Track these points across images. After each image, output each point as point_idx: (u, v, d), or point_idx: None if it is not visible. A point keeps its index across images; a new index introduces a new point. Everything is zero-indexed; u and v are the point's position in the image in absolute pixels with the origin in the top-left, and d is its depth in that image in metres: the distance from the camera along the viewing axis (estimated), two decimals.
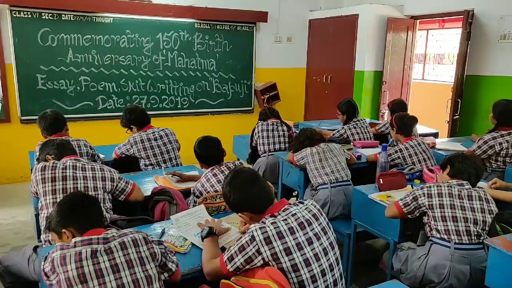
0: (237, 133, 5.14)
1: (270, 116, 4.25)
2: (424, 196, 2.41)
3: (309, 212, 1.75)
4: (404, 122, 3.62)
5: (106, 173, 2.51)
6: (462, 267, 2.24)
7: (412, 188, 2.97)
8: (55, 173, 2.36)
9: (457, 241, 2.28)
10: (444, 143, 4.49)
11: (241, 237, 1.70)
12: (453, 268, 2.25)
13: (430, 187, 2.44)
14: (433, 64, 8.69)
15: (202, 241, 1.98)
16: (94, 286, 1.45)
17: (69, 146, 2.66)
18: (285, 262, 1.61)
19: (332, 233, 1.78)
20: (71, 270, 1.45)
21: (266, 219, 1.69)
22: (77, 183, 2.38)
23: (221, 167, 2.67)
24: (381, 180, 2.88)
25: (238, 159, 4.78)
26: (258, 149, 4.17)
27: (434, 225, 2.36)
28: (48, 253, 1.55)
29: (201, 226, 2.10)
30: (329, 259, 1.71)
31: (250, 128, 6.58)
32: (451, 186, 2.41)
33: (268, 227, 1.64)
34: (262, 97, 6.67)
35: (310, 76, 7.18)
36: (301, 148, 3.41)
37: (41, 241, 2.36)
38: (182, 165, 3.64)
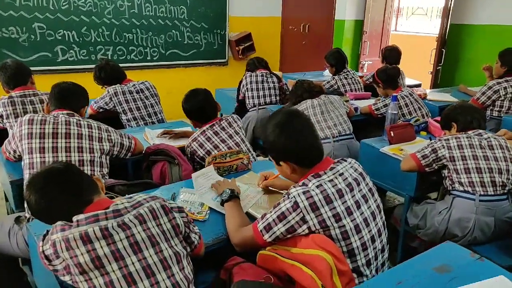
0: (211, 88, 4.77)
1: (258, 66, 3.93)
2: (444, 148, 2.26)
3: (355, 170, 1.52)
4: (387, 75, 3.46)
5: (103, 133, 2.15)
6: (487, 219, 2.15)
7: (422, 140, 2.84)
8: (44, 128, 1.99)
9: (482, 192, 2.16)
10: (433, 94, 4.38)
11: (278, 203, 1.45)
12: (478, 221, 2.15)
13: (448, 139, 2.29)
14: (406, 16, 8.55)
15: (222, 205, 1.72)
16: (114, 271, 1.17)
17: (72, 97, 2.24)
18: (334, 229, 1.39)
19: (377, 194, 1.58)
20: (81, 254, 1.15)
21: (310, 180, 1.44)
22: (70, 142, 2.02)
23: (221, 122, 2.38)
24: (392, 132, 2.70)
25: (222, 115, 4.46)
26: (246, 102, 3.87)
27: (457, 178, 2.23)
28: (47, 232, 1.24)
29: (218, 189, 1.83)
30: (377, 223, 1.52)
31: (224, 82, 6.25)
32: (470, 137, 2.27)
33: (313, 190, 1.40)
34: (236, 48, 6.27)
35: (286, 26, 6.81)
36: (300, 102, 3.15)
37: (23, 211, 2.01)
38: (166, 121, 3.29)
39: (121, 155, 2.27)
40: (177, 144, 2.57)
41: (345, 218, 1.40)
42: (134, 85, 3.12)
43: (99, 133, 2.13)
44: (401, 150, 2.64)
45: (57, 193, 1.26)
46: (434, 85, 5.45)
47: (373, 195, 1.53)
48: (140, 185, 1.95)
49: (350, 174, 1.48)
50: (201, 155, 2.30)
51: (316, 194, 1.39)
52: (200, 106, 2.39)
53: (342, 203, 1.41)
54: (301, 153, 1.49)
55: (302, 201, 1.39)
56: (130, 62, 5.52)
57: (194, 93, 2.42)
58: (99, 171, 2.09)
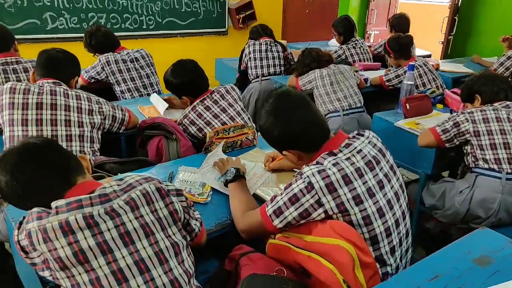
0: (210, 59, 4.50)
1: (262, 34, 3.67)
2: (468, 122, 2.06)
3: (373, 146, 1.32)
4: (400, 44, 3.22)
5: (93, 105, 1.94)
6: None
7: (439, 113, 2.64)
8: (27, 98, 1.78)
9: (509, 170, 1.98)
10: (445, 64, 4.14)
11: (290, 184, 1.26)
12: (503, 201, 1.97)
13: (472, 112, 2.08)
14: None
15: (226, 186, 1.54)
16: (100, 266, 0.99)
17: (61, 65, 2.01)
18: (355, 214, 1.21)
19: (399, 172, 1.40)
20: (62, 247, 0.96)
21: (325, 158, 1.25)
22: (56, 114, 1.81)
23: (213, 95, 2.14)
24: (407, 105, 2.49)
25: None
26: (249, 73, 3.64)
27: (481, 154, 2.04)
28: (23, 218, 1.05)
29: (219, 167, 1.64)
30: (401, 205, 1.34)
31: (224, 53, 5.96)
32: (497, 110, 2.07)
33: (330, 169, 1.21)
34: (237, 16, 5.96)
35: None
36: (307, 72, 2.92)
37: None
38: (163, 93, 3.07)
39: (113, 129, 2.07)
40: (175, 118, 2.37)
41: (366, 200, 1.22)
42: (128, 53, 2.88)
43: (89, 105, 1.92)
44: (417, 124, 2.44)
45: (33, 172, 1.06)
46: (445, 55, 5.19)
47: (395, 173, 1.35)
48: (134, 163, 1.76)
49: (369, 151, 1.29)
50: (193, 132, 2.09)
51: (334, 173, 1.20)
52: (191, 79, 2.13)
53: (363, 184, 1.23)
54: (302, 138, 1.31)
55: (318, 182, 1.20)
56: (124, 31, 5.22)
57: (181, 65, 2.17)
58: (90, 147, 1.89)
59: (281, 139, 1.33)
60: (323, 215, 1.22)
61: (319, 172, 1.21)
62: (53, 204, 1.01)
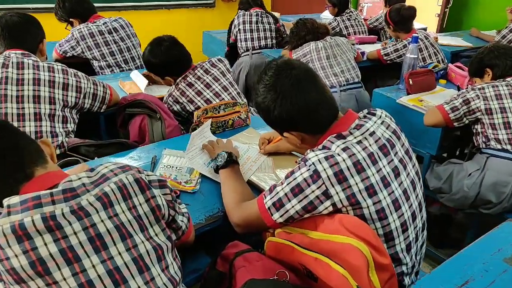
0: (197, 33, 4.23)
1: (252, 5, 3.43)
2: (479, 98, 1.90)
3: (387, 127, 1.15)
4: (401, 16, 3.01)
5: (70, 78, 1.71)
6: None
7: (443, 89, 2.47)
8: None
9: None
10: (444, 38, 3.95)
11: (292, 172, 1.08)
12: None
13: (483, 88, 1.92)
14: None
15: (217, 173, 1.35)
16: (65, 278, 0.80)
17: (24, 32, 1.75)
18: (368, 207, 1.04)
19: (414, 156, 1.23)
20: (16, 256, 0.77)
21: (332, 142, 1.07)
22: (23, 90, 1.59)
23: (196, 71, 1.93)
24: (410, 80, 2.31)
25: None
26: (239, 46, 3.41)
27: (493, 134, 1.89)
28: None
29: (209, 150, 1.45)
30: (418, 194, 1.18)
31: (211, 26, 5.65)
32: (510, 85, 1.90)
33: (339, 155, 1.03)
34: None
35: None
36: (302, 44, 2.71)
37: None
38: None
39: (93, 109, 1.85)
40: (159, 94, 2.16)
41: (381, 191, 1.05)
42: (105, 23, 2.62)
43: (64, 78, 1.70)
44: (421, 101, 2.27)
45: None
46: (440, 29, 5.00)
47: (411, 158, 1.18)
48: (112, 146, 1.56)
49: (383, 133, 1.11)
50: (175, 110, 1.91)
51: (343, 160, 1.03)
52: (171, 57, 1.92)
53: (377, 172, 1.05)
54: (307, 118, 1.12)
55: (325, 170, 1.02)
56: (103, 2, 4.89)
57: (159, 42, 1.93)
58: (62, 128, 1.68)
59: (282, 118, 1.13)
60: (330, 208, 1.04)
61: (326, 158, 1.03)
62: (5, 202, 0.81)
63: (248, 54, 3.35)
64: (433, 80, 2.43)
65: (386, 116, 1.19)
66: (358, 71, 2.74)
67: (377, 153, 1.07)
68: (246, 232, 1.20)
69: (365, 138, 1.08)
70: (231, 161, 1.34)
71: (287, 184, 1.07)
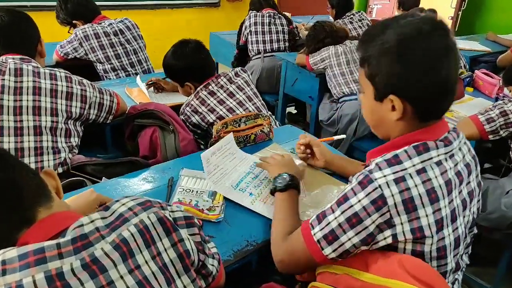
0: (202, 35, 4.04)
1: (264, 5, 3.26)
2: None
3: (468, 151, 0.98)
4: None
5: (74, 86, 1.54)
6: None
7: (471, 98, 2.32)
8: None
9: None
10: (460, 42, 3.79)
11: (345, 195, 0.90)
12: None
13: None
14: None
15: (273, 195, 1.19)
16: None
17: (19, 34, 1.57)
18: (431, 244, 0.87)
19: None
20: None
21: (409, 156, 0.87)
22: (21, 100, 1.42)
23: (219, 80, 1.79)
24: None
25: (217, 63, 3.82)
26: (249, 49, 3.24)
27: None
28: None
29: (269, 168, 1.30)
30: (472, 231, 1.03)
31: (216, 27, 5.50)
32: None
33: (412, 178, 0.85)
34: None
35: None
36: (320, 48, 2.55)
37: None
38: (154, 71, 2.67)
39: (99, 120, 1.68)
40: (170, 103, 2.00)
41: (447, 226, 0.88)
42: (110, 24, 2.45)
43: (67, 86, 1.52)
44: (451, 111, 2.11)
45: None
46: (454, 32, 4.85)
47: (479, 189, 1.02)
48: (122, 165, 1.39)
49: (463, 157, 0.94)
50: (194, 121, 1.74)
51: (416, 186, 0.85)
52: (196, 61, 1.77)
53: (449, 203, 0.89)
54: (436, 99, 0.90)
55: (393, 196, 0.84)
56: (105, 0, 4.72)
57: (184, 45, 1.79)
58: (65, 142, 1.50)
59: (407, 81, 0.88)
60: (389, 240, 0.87)
61: (396, 181, 0.85)
62: (1, 254, 0.65)
63: (260, 57, 3.18)
64: (461, 88, 2.28)
65: (463, 137, 1.00)
66: None
67: (454, 181, 0.90)
68: (290, 271, 1.03)
69: (446, 159, 0.90)
70: (292, 185, 1.17)
71: (342, 213, 0.89)
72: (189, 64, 1.75)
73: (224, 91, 1.75)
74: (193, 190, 1.22)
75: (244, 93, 1.79)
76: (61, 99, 1.51)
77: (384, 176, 0.85)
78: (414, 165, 0.86)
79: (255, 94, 1.85)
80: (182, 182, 1.26)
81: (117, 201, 0.79)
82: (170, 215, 0.80)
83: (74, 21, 2.45)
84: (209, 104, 1.72)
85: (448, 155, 0.90)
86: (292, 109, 3.80)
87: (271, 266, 1.09)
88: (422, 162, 0.87)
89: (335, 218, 0.90)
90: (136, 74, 2.48)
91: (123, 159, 1.39)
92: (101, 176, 1.35)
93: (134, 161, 1.38)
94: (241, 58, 3.36)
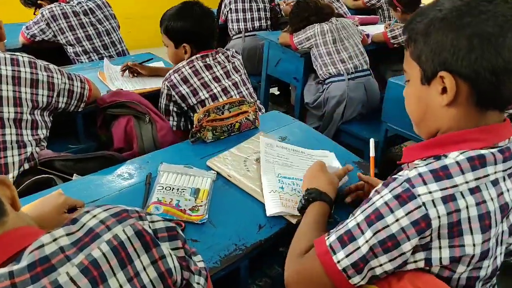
0: None
1: None
2: None
3: None
4: None
5: (39, 73, 1.39)
6: None
7: None
8: None
9: None
10: None
11: (379, 212, 0.72)
12: None
13: None
14: None
15: (300, 211, 1.03)
16: None
17: None
18: (464, 273, 0.73)
19: None
20: None
21: (462, 170, 0.71)
22: None
23: (217, 55, 1.67)
24: None
25: None
26: (229, 28, 3.10)
27: None
28: None
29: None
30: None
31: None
32: None
33: (464, 197, 0.69)
34: None
35: None
36: (305, 26, 2.43)
37: None
38: (130, 53, 2.51)
39: (70, 108, 1.54)
40: (146, 88, 1.86)
41: (489, 258, 0.74)
42: (79, 2, 2.27)
43: (32, 73, 1.37)
44: None
45: None
46: None
47: None
48: (95, 160, 1.26)
49: None
50: (182, 93, 1.59)
51: (467, 207, 0.69)
52: (207, 28, 1.64)
53: (498, 231, 0.75)
54: (498, 70, 0.70)
55: (439, 217, 0.69)
56: None
57: (192, 6, 1.64)
58: (32, 135, 1.36)
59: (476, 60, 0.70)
60: (421, 264, 0.73)
61: (445, 200, 0.69)
62: None
63: (241, 37, 3.04)
64: None
65: None
66: (366, 57, 2.48)
67: (510, 205, 0.75)
68: None
69: (505, 178, 0.74)
70: (324, 198, 1.01)
71: (374, 234, 0.72)
72: (194, 27, 1.60)
73: (222, 68, 1.65)
74: (173, 188, 1.12)
75: (239, 75, 1.69)
76: (25, 87, 1.36)
77: (430, 192, 0.69)
78: (467, 182, 0.70)
79: (247, 79, 1.76)
80: (161, 179, 1.15)
81: (87, 212, 0.67)
82: (150, 227, 0.69)
83: (39, 1, 2.26)
84: (202, 78, 1.60)
85: (506, 173, 0.74)
86: (275, 91, 3.68)
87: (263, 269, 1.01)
88: (476, 179, 0.71)
89: (366, 241, 0.73)
90: (110, 56, 2.33)
91: (95, 154, 1.26)
92: (72, 173, 1.23)
93: (108, 156, 1.25)
94: (221, 37, 3.19)
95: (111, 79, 1.89)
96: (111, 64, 2.01)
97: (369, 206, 0.75)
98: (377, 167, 1.17)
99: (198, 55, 1.63)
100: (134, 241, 0.64)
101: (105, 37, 2.32)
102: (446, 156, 0.73)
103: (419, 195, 0.70)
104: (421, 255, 0.72)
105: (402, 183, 0.72)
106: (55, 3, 2.21)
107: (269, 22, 3.11)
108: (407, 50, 0.81)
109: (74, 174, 1.22)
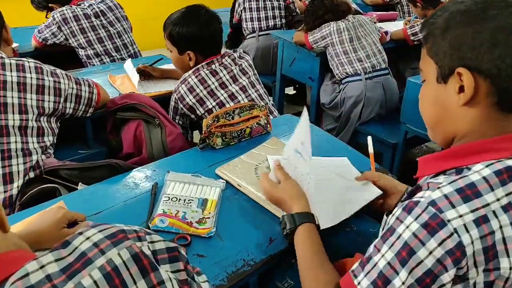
0: None
1: None
2: None
3: None
4: None
5: (46, 78, 1.36)
6: None
7: None
8: None
9: None
10: None
11: (405, 243, 0.64)
12: None
13: None
14: None
15: (286, 238, 0.92)
16: None
17: None
18: None
19: None
20: None
21: (492, 187, 0.64)
22: None
23: (224, 59, 1.61)
24: None
25: None
26: (244, 27, 3.04)
27: None
28: None
29: (275, 198, 0.98)
30: None
31: (206, 5, 5.26)
32: None
33: (496, 217, 0.62)
34: None
35: None
36: (321, 25, 2.35)
37: None
38: (142, 54, 2.48)
39: (78, 114, 1.51)
40: (159, 91, 1.82)
41: None
42: (90, 5, 2.24)
43: (37, 78, 1.34)
44: None
45: None
46: None
47: None
48: (100, 168, 1.22)
49: None
50: (190, 104, 1.55)
51: (501, 228, 0.62)
52: (212, 34, 1.58)
53: None
54: None
55: (473, 242, 0.61)
56: None
57: (196, 10, 1.58)
58: (38, 142, 1.33)
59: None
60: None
61: (478, 223, 0.62)
62: None
63: (255, 36, 2.98)
64: None
65: None
66: (384, 55, 2.39)
67: None
68: None
69: None
70: (309, 219, 0.89)
71: (409, 274, 0.63)
72: (198, 32, 1.54)
73: (228, 73, 1.58)
74: (180, 199, 1.06)
75: (247, 78, 1.62)
76: (31, 93, 1.33)
77: (461, 216, 0.62)
78: (498, 200, 0.63)
79: (258, 80, 1.68)
80: (168, 189, 1.10)
81: (80, 233, 0.62)
82: (149, 247, 0.64)
83: (50, 4, 2.25)
84: (209, 86, 1.54)
85: None
86: (290, 90, 3.61)
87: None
88: (507, 195, 0.63)
89: (402, 282, 0.64)
90: (122, 59, 2.30)
91: (100, 163, 1.22)
92: (77, 181, 1.19)
93: (114, 164, 1.21)
94: (235, 37, 3.16)
95: (134, 77, 1.87)
96: (131, 64, 1.97)
97: (396, 240, 0.65)
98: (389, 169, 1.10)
99: (203, 63, 1.57)
100: (130, 266, 0.59)
101: (117, 39, 2.29)
102: (469, 169, 0.66)
103: (449, 221, 0.62)
104: (449, 275, 0.63)
105: (426, 207, 0.64)
106: (66, 6, 2.19)
107: (283, 21, 3.05)
108: (424, 48, 0.75)
109: (79, 183, 1.18)
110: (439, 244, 0.62)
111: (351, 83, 2.31)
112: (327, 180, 1.15)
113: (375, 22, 2.69)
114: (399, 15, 3.69)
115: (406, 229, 0.65)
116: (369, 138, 1.20)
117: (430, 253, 0.62)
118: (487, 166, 0.65)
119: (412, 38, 2.67)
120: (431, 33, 0.73)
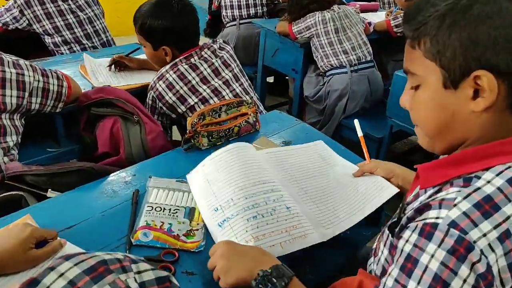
0: None
1: None
2: None
3: None
4: None
5: (8, 70, 1.21)
6: None
7: None
8: None
9: None
10: None
11: (435, 275, 0.56)
12: None
13: None
14: None
15: None
16: None
17: None
18: None
19: None
20: None
21: (502, 191, 0.59)
22: None
23: (203, 52, 1.49)
24: None
25: None
26: (223, 14, 2.92)
27: None
28: None
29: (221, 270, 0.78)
30: None
31: None
32: None
33: None
34: None
35: None
36: (305, 15, 2.26)
37: None
38: (115, 43, 2.31)
39: (46, 109, 1.36)
40: (136, 83, 1.69)
41: None
42: None
43: None
44: None
45: None
46: None
47: None
48: (73, 174, 1.09)
49: None
50: (170, 102, 1.43)
51: None
52: (187, 25, 1.45)
53: None
54: None
55: (497, 261, 0.56)
56: None
57: (165, 1, 1.44)
58: None
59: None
60: None
61: (501, 240, 0.57)
62: None
63: (235, 24, 2.86)
64: None
65: None
66: (369, 47, 2.33)
67: None
68: None
69: None
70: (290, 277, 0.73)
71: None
72: (171, 24, 1.41)
73: (209, 66, 1.47)
74: (164, 208, 0.96)
75: (230, 71, 1.51)
76: None
77: (485, 235, 0.56)
78: None
79: (241, 72, 1.58)
80: (150, 197, 0.99)
81: (52, 269, 0.52)
82: (135, 280, 0.55)
83: None
84: (189, 81, 1.42)
85: None
86: (269, 79, 3.51)
87: None
88: None
89: None
90: (94, 47, 2.14)
91: (72, 168, 1.09)
92: (46, 188, 1.06)
93: (87, 168, 1.09)
94: (215, 25, 3.02)
95: (94, 74, 1.71)
96: (91, 57, 1.81)
97: (423, 273, 0.57)
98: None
99: (181, 57, 1.45)
100: None
101: (88, 25, 2.13)
102: (478, 177, 0.61)
103: (474, 242, 0.56)
104: None
105: (448, 230, 0.57)
106: None
107: (265, 9, 2.93)
108: (416, 49, 0.66)
109: (49, 190, 1.05)
110: (471, 270, 0.56)
111: (336, 76, 2.24)
112: (324, 176, 1.08)
113: (358, 13, 2.62)
114: (379, 6, 3.64)
115: (432, 259, 0.57)
116: (356, 121, 1.16)
117: (465, 281, 0.56)
118: (497, 175, 0.60)
119: (395, 30, 2.62)
120: (423, 33, 0.64)
